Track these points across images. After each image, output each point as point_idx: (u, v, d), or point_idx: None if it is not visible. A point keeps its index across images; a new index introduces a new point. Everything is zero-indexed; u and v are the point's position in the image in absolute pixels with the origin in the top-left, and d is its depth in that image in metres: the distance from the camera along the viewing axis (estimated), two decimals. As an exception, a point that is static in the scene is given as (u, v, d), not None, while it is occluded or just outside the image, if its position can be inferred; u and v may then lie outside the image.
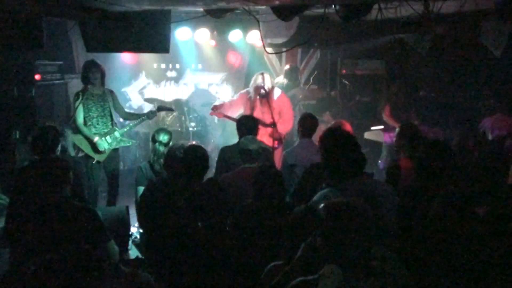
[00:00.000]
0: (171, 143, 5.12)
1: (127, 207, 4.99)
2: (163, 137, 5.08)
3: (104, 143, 5.84)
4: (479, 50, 7.03)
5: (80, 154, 5.85)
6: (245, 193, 4.02)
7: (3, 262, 4.06)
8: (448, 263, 2.92)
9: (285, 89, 7.59)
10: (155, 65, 8.94)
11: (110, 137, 5.93)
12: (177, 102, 8.58)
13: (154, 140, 5.10)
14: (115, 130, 5.97)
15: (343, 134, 3.19)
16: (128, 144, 6.25)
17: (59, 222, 3.36)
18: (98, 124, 5.89)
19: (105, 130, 5.92)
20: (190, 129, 8.07)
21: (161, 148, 5.01)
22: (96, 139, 5.79)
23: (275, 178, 3.68)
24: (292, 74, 8.06)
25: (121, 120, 6.65)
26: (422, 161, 3.44)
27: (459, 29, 6.24)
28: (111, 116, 5.97)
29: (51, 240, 3.31)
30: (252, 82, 6.32)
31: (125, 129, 6.15)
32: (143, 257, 4.43)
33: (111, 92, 6.11)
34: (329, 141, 3.11)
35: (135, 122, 6.24)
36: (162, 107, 6.66)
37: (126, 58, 8.45)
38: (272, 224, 3.45)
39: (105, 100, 5.94)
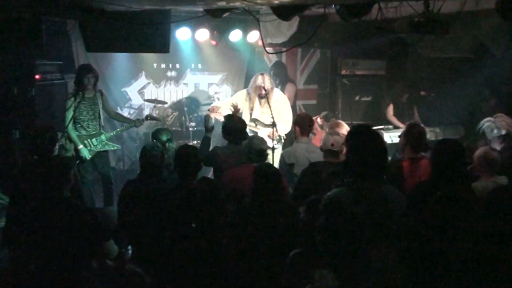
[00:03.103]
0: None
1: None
2: (166, 136, 5.10)
3: (86, 152, 5.96)
4: (479, 50, 7.02)
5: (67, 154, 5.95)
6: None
7: (3, 262, 4.05)
8: (451, 263, 2.92)
9: None
10: (155, 65, 8.93)
11: (96, 139, 6.07)
12: (178, 103, 8.61)
13: (160, 142, 5.08)
14: (102, 133, 6.10)
15: (376, 135, 3.08)
16: (112, 148, 6.39)
17: (59, 222, 3.37)
18: (88, 127, 6.03)
19: (93, 132, 6.05)
20: (190, 129, 8.07)
21: (174, 146, 4.98)
22: (80, 146, 5.93)
23: (273, 177, 3.68)
24: (279, 70, 8.07)
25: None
26: (436, 160, 3.41)
27: (460, 28, 6.23)
28: (100, 119, 6.10)
29: (50, 240, 3.31)
30: (251, 82, 6.31)
31: (112, 134, 6.31)
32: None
33: (102, 93, 6.19)
34: (360, 138, 3.01)
35: (122, 128, 6.45)
36: (151, 116, 6.94)
37: (126, 58, 8.45)
38: (270, 223, 3.45)
39: (96, 103, 6.04)
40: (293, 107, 7.61)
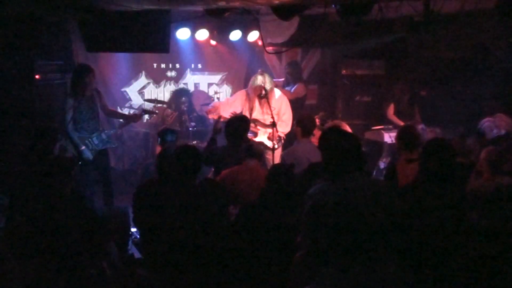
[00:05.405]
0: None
1: (127, 207, 4.99)
2: (171, 137, 5.10)
3: (88, 153, 5.95)
4: (479, 50, 7.02)
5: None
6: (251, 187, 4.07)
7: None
8: (449, 264, 2.93)
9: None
10: (155, 65, 8.93)
11: (97, 138, 6.05)
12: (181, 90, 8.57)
13: (163, 142, 5.10)
14: (102, 132, 6.09)
15: (343, 132, 3.23)
16: (114, 146, 6.38)
17: (60, 222, 3.37)
18: (89, 126, 6.02)
19: (94, 131, 6.05)
20: (190, 129, 8.06)
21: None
22: (82, 147, 5.91)
23: (287, 176, 3.71)
24: (293, 69, 8.04)
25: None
26: (423, 160, 3.44)
27: (460, 28, 6.24)
28: (99, 117, 6.11)
29: (51, 241, 3.31)
30: (251, 82, 6.29)
31: (112, 131, 6.31)
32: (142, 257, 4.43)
33: (98, 91, 6.19)
34: (328, 137, 3.14)
35: (121, 124, 6.47)
36: (146, 110, 6.96)
37: (126, 58, 8.44)
38: (280, 221, 3.46)
39: (94, 102, 6.06)
40: (301, 107, 7.60)
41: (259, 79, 6.12)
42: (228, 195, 4.14)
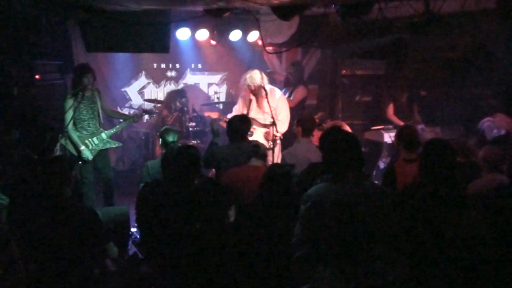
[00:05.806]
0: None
1: (127, 207, 5.00)
2: (174, 137, 5.10)
3: (88, 153, 5.93)
4: (479, 50, 7.02)
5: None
6: (251, 190, 4.07)
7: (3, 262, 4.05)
8: (449, 263, 2.93)
9: None
10: (155, 65, 8.94)
11: (97, 138, 6.04)
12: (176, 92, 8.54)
13: (166, 143, 5.08)
14: (102, 132, 6.07)
15: (344, 133, 3.24)
16: (114, 146, 6.32)
17: (60, 222, 3.37)
18: (89, 126, 6.01)
19: (94, 131, 6.04)
20: (190, 129, 8.07)
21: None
22: (82, 147, 5.89)
23: (285, 177, 3.71)
24: (295, 70, 8.01)
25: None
26: (423, 160, 3.44)
27: (460, 28, 6.24)
28: (99, 117, 6.08)
29: (51, 241, 3.31)
30: (247, 79, 6.23)
31: (112, 131, 6.24)
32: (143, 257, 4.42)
33: (99, 91, 6.17)
34: (329, 137, 3.16)
35: (122, 124, 6.42)
36: (147, 111, 6.99)
37: (126, 58, 8.45)
38: (278, 222, 3.47)
39: (94, 102, 6.04)
40: (302, 107, 7.58)
41: (258, 78, 6.12)
42: (229, 195, 4.14)
